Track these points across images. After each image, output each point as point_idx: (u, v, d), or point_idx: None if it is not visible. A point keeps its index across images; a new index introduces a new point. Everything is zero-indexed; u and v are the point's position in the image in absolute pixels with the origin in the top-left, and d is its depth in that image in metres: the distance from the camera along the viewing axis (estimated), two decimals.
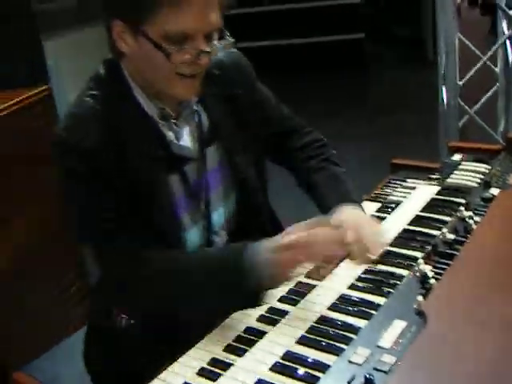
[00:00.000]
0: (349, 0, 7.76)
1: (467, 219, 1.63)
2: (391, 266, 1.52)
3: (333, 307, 1.38)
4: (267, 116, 1.72)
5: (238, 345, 1.31)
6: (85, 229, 1.49)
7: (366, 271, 1.51)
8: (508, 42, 3.63)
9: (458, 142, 2.89)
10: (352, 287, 1.45)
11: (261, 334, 1.33)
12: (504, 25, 3.60)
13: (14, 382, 1.79)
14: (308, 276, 1.51)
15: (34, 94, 2.71)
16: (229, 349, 1.30)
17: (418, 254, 1.54)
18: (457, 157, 2.09)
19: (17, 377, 1.80)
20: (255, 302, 1.37)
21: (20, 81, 3.13)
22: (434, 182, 1.95)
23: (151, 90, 1.47)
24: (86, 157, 1.39)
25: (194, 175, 1.55)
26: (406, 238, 1.65)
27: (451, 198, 1.81)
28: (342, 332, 1.29)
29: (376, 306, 1.36)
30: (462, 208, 1.68)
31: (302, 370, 1.20)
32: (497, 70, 3.90)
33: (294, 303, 1.42)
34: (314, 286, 1.48)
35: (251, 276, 1.33)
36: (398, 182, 2.00)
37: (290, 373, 1.20)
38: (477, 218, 1.63)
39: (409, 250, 1.58)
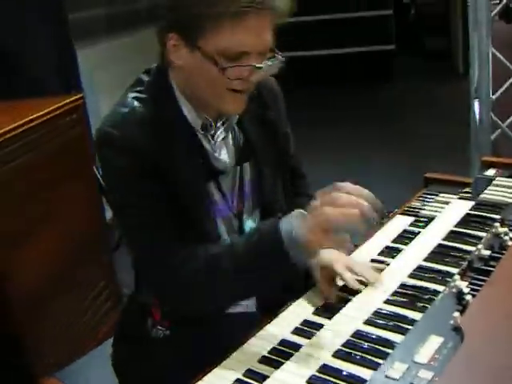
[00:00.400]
0: (381, 11, 7.75)
1: (502, 235, 1.62)
2: (426, 281, 1.52)
3: (368, 321, 1.38)
4: (287, 148, 1.75)
5: (273, 357, 1.31)
6: (132, 230, 1.50)
7: (401, 286, 1.51)
8: None
9: (491, 156, 2.86)
10: (387, 302, 1.45)
11: (296, 347, 1.33)
12: None
13: None
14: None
15: (67, 102, 2.73)
16: (264, 361, 1.30)
17: (453, 270, 1.54)
18: (491, 172, 2.08)
19: (48, 383, 1.81)
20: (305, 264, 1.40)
21: (53, 89, 3.17)
22: (467, 196, 1.94)
23: (197, 101, 1.51)
24: (141, 156, 1.42)
25: (229, 188, 1.59)
26: (440, 253, 1.64)
27: (486, 214, 1.80)
28: (377, 346, 1.29)
29: (411, 321, 1.35)
30: (497, 224, 1.67)
31: None
32: None
33: (329, 317, 1.43)
34: (348, 300, 1.48)
35: (293, 251, 1.33)
36: (431, 197, 2.00)
37: None
38: None
39: (444, 265, 1.58)
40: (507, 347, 1.19)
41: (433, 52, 8.45)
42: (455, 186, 2.04)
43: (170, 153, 1.46)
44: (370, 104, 7.12)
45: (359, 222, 1.25)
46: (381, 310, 1.42)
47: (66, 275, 2.60)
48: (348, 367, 1.24)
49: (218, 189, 1.56)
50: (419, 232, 1.78)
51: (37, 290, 2.42)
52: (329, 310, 1.45)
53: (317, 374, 1.23)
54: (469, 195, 1.95)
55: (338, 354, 1.28)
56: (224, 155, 1.58)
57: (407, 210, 1.93)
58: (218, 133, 1.56)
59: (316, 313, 1.46)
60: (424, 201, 1.98)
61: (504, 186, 1.95)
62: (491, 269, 1.50)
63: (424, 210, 1.91)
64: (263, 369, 1.28)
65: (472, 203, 1.90)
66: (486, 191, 1.95)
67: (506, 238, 1.61)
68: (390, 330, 1.34)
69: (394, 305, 1.44)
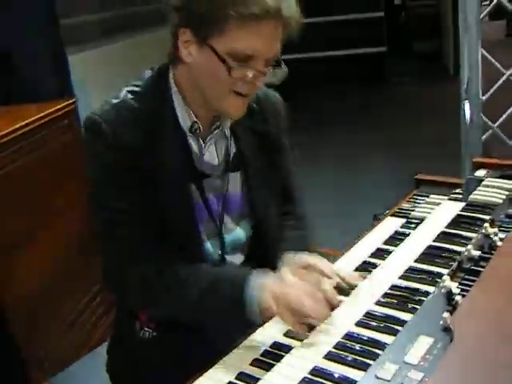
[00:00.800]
0: (372, 14, 7.78)
1: (492, 236, 1.63)
2: (416, 282, 1.53)
3: (359, 323, 1.39)
4: (284, 166, 1.76)
5: (265, 359, 1.32)
6: (107, 225, 1.53)
7: (392, 287, 1.52)
8: None
9: (481, 157, 2.88)
10: (378, 303, 1.46)
11: (288, 349, 1.34)
12: None
13: None
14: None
15: (60, 107, 2.75)
16: (256, 363, 1.31)
17: (443, 271, 1.55)
18: (481, 172, 2.09)
19: None
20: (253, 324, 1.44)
21: (46, 94, 3.17)
22: (457, 197, 1.96)
23: (196, 102, 1.53)
24: (126, 152, 1.45)
25: (213, 192, 1.60)
26: (431, 254, 1.65)
27: (476, 215, 1.82)
28: (368, 348, 1.30)
29: (402, 322, 1.36)
30: (487, 224, 1.68)
31: None
32: None
33: None
34: (339, 302, 1.49)
35: (248, 306, 1.40)
36: (421, 198, 2.01)
37: None
38: (501, 235, 1.64)
39: (434, 266, 1.59)
40: (497, 347, 1.20)
41: (424, 53, 8.49)
42: (446, 187, 2.05)
43: (155, 148, 1.49)
44: (361, 105, 7.14)
45: (317, 316, 1.38)
46: (372, 311, 1.43)
47: (61, 279, 2.60)
48: (339, 369, 1.25)
49: (199, 192, 1.57)
50: (409, 233, 1.79)
51: (31, 295, 2.42)
52: None
53: (309, 376, 1.24)
54: (459, 196, 1.97)
55: (329, 356, 1.29)
56: (213, 160, 1.59)
57: (398, 212, 1.94)
58: (210, 137, 1.57)
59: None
60: (415, 202, 2.00)
61: (494, 187, 1.97)
62: (481, 269, 1.50)
63: (415, 211, 1.93)
64: (255, 371, 1.28)
65: (463, 204, 1.91)
66: (475, 192, 1.96)
67: (496, 238, 1.62)
68: (381, 332, 1.35)
69: (385, 306, 1.45)
